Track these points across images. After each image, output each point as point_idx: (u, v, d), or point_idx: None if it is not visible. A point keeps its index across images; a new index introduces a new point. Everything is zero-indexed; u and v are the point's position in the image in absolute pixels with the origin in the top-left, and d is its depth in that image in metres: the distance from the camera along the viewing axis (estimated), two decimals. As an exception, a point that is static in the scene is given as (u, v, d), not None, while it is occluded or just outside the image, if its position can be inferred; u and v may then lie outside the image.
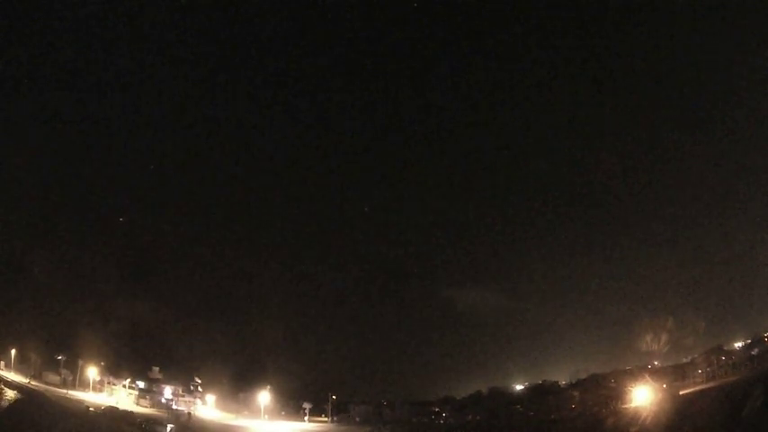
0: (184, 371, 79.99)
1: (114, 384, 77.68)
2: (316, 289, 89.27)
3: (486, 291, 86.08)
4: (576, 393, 75.53)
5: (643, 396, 65.90)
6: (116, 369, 77.63)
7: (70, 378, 76.04)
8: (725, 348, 72.45)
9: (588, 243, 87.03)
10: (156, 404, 77.73)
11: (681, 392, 65.78)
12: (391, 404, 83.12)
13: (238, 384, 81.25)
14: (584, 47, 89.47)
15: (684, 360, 75.16)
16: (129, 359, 77.85)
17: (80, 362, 76.70)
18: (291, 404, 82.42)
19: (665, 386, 67.71)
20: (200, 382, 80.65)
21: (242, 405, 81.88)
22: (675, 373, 72.31)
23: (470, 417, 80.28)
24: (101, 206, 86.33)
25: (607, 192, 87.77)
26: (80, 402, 70.84)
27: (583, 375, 77.12)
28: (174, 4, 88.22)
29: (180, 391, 79.37)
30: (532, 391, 79.27)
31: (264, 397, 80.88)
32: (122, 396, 76.77)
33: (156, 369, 78.89)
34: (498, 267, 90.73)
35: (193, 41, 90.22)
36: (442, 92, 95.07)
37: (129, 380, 78.12)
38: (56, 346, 75.41)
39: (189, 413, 76.54)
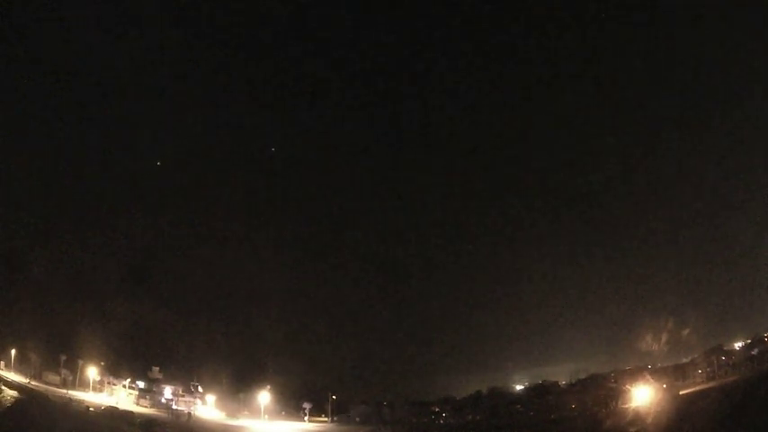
0: (184, 371, 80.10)
1: (114, 384, 77.70)
2: (315, 289, 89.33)
3: (487, 289, 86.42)
4: (575, 393, 75.57)
5: (643, 396, 65.82)
6: (116, 369, 77.68)
7: (70, 378, 76.05)
8: (725, 348, 72.57)
9: (588, 243, 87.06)
10: (156, 404, 77.69)
11: (681, 392, 65.81)
12: (391, 404, 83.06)
13: (238, 384, 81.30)
14: (585, 47, 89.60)
15: (684, 360, 75.24)
16: (129, 359, 77.97)
17: (80, 362, 76.73)
18: (291, 404, 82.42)
19: (665, 386, 67.70)
20: (199, 382, 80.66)
21: (242, 405, 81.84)
22: (675, 373, 72.40)
23: (470, 417, 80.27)
24: (101, 206, 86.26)
25: (607, 192, 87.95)
26: (80, 402, 70.85)
27: (583, 375, 77.17)
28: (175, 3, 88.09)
29: (180, 391, 79.31)
30: (532, 391, 79.17)
31: (264, 397, 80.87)
32: (122, 396, 76.81)
33: (156, 369, 78.85)
34: (498, 267, 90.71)
35: (194, 41, 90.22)
36: (441, 92, 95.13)
37: (129, 380, 78.15)
38: (56, 346, 75.50)
39: (189, 413, 76.54)
